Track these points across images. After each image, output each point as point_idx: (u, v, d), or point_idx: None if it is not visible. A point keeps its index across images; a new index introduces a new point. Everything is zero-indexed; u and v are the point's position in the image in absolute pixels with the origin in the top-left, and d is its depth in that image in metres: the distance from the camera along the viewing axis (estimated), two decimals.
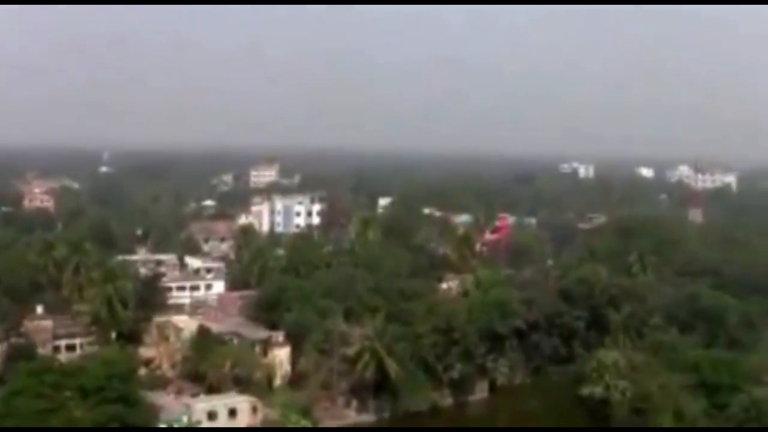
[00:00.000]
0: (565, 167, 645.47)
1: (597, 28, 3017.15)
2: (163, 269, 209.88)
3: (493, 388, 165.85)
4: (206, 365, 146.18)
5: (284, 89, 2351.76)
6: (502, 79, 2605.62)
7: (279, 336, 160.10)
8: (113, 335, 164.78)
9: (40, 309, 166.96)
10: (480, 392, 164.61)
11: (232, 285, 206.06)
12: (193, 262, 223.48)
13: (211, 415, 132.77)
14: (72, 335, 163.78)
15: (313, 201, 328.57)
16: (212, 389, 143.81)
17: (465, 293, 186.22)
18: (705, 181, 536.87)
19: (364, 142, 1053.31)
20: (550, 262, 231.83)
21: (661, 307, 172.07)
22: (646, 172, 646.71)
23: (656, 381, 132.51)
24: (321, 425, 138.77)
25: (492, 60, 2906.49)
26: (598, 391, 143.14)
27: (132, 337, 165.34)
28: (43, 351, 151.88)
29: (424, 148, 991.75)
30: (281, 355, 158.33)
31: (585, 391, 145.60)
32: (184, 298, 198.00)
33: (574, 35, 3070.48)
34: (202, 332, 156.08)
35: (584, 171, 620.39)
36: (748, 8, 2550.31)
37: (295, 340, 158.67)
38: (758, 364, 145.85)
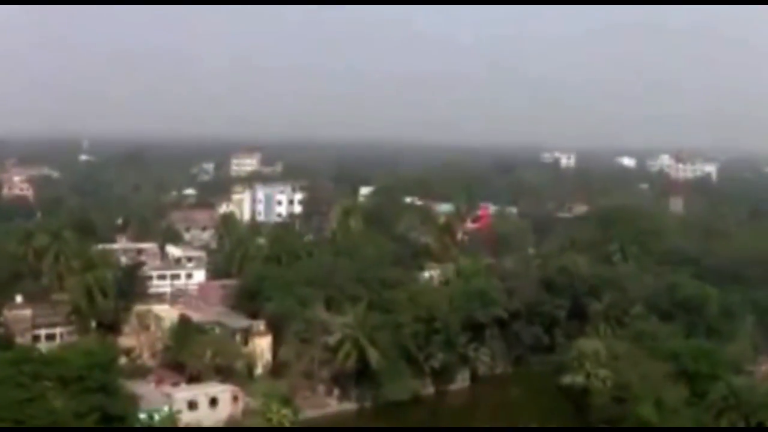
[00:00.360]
0: (547, 157, 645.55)
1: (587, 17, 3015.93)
2: (143, 258, 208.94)
3: (474, 377, 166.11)
4: (187, 354, 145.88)
5: (267, 80, 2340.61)
6: (485, 68, 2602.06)
7: (260, 325, 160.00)
8: (93, 324, 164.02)
9: (19, 298, 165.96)
10: (461, 381, 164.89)
11: (213, 274, 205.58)
12: (173, 251, 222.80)
13: (192, 405, 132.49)
14: (52, 324, 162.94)
15: (294, 190, 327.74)
16: (193, 378, 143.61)
17: (446, 282, 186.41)
18: (686, 171, 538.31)
19: (346, 133, 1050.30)
20: (531, 251, 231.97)
21: (641, 296, 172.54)
22: (628, 162, 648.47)
23: (637, 370, 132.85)
24: (302, 414, 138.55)
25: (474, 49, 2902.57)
26: (579, 379, 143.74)
27: (112, 327, 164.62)
28: (23, 340, 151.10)
29: (406, 138, 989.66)
30: (262, 344, 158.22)
31: (566, 380, 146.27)
32: (164, 287, 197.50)
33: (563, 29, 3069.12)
34: (183, 321, 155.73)
35: (565, 161, 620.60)
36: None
37: (277, 329, 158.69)
38: (737, 352, 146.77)
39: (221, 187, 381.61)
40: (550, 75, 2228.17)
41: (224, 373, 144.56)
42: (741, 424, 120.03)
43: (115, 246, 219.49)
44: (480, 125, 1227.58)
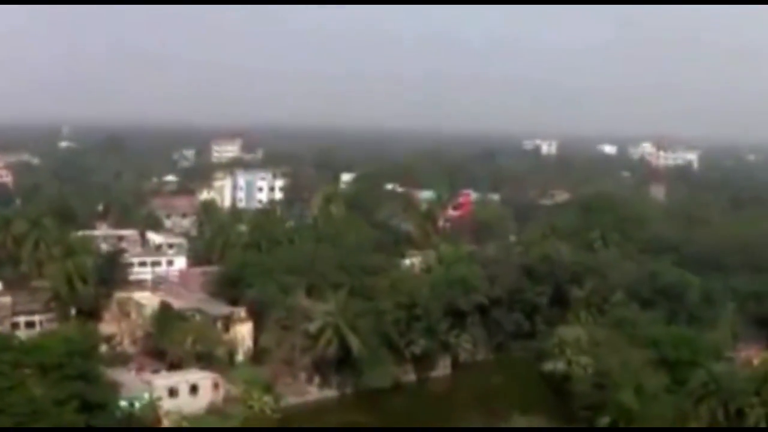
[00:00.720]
0: (528, 144, 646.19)
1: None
2: (124, 245, 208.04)
3: (455, 364, 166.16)
4: (167, 341, 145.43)
5: (244, 63, 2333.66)
6: (468, 55, 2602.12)
7: (241, 312, 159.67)
8: (73, 312, 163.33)
9: None
10: (443, 368, 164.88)
11: (194, 261, 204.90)
12: (154, 237, 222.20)
13: (173, 392, 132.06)
14: (31, 312, 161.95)
15: (275, 176, 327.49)
16: (173, 365, 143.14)
17: (427, 269, 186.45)
18: (667, 159, 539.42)
19: (327, 119, 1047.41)
20: (512, 238, 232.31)
21: (622, 283, 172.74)
22: (609, 149, 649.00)
23: (617, 357, 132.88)
24: (283, 401, 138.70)
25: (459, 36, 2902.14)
26: (560, 366, 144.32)
27: (92, 314, 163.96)
28: (2, 328, 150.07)
29: (387, 124, 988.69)
30: (243, 331, 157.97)
31: (547, 366, 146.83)
32: (145, 273, 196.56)
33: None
34: (164, 308, 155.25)
35: (547, 148, 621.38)
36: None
37: (257, 316, 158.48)
38: (717, 339, 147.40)
39: (202, 173, 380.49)
40: (548, 78, 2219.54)
41: (205, 360, 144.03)
42: (720, 411, 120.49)
43: (96, 233, 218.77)
44: (467, 116, 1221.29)
